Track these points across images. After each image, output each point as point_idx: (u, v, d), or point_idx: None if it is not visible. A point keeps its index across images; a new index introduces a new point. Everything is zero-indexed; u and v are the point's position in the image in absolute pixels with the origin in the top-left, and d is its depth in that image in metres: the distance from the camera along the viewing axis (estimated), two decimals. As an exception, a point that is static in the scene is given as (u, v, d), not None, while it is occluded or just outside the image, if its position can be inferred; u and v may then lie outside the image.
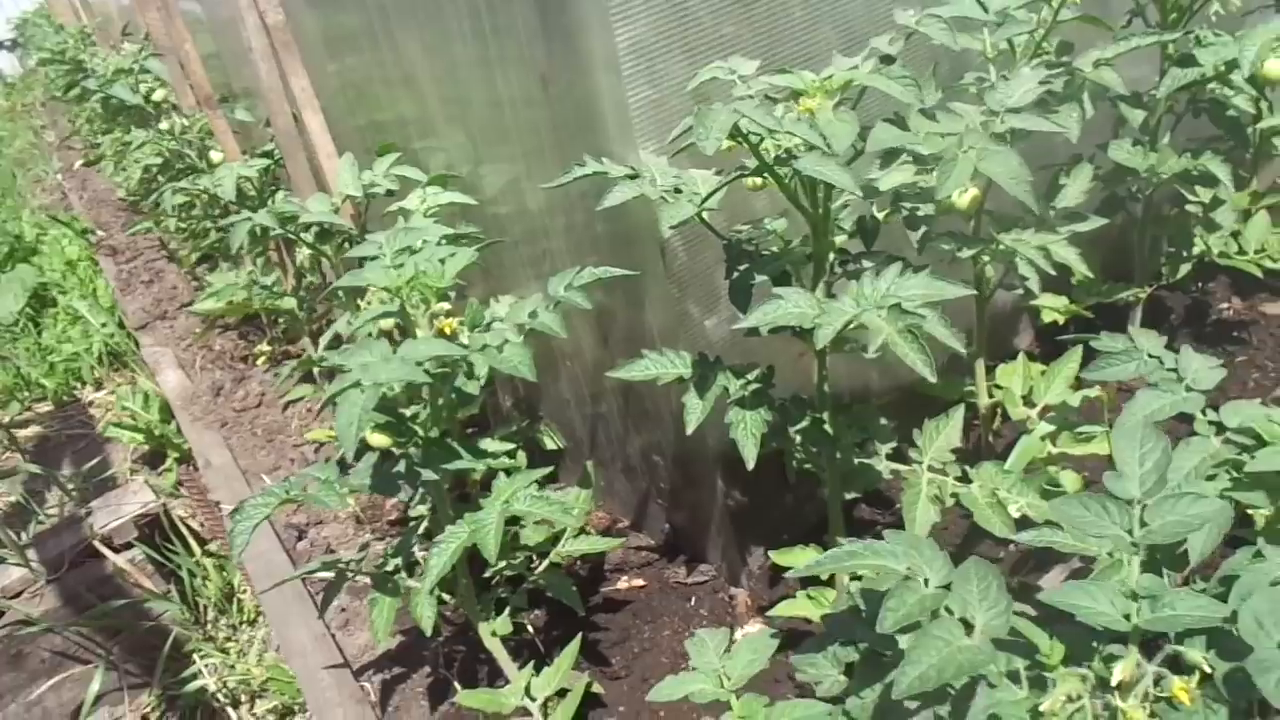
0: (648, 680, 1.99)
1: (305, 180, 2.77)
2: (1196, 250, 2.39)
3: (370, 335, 1.79)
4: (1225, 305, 2.67)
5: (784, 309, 1.49)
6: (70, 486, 3.29)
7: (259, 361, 3.72)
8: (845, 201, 1.70)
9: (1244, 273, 2.43)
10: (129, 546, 2.73)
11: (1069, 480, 2.05)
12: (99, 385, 4.10)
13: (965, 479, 1.79)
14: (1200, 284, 2.68)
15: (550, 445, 2.61)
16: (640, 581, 2.23)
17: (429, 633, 1.68)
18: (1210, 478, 1.47)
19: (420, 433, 1.73)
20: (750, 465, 1.66)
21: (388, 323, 1.95)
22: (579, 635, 1.85)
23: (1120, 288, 2.39)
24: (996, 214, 2.15)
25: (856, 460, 1.84)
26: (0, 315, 4.55)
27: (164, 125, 3.80)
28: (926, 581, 1.07)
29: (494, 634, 1.80)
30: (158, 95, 3.90)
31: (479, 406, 2.85)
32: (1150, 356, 1.57)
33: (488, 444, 2.16)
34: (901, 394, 2.37)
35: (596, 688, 1.95)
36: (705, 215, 1.67)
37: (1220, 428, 1.52)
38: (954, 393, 2.31)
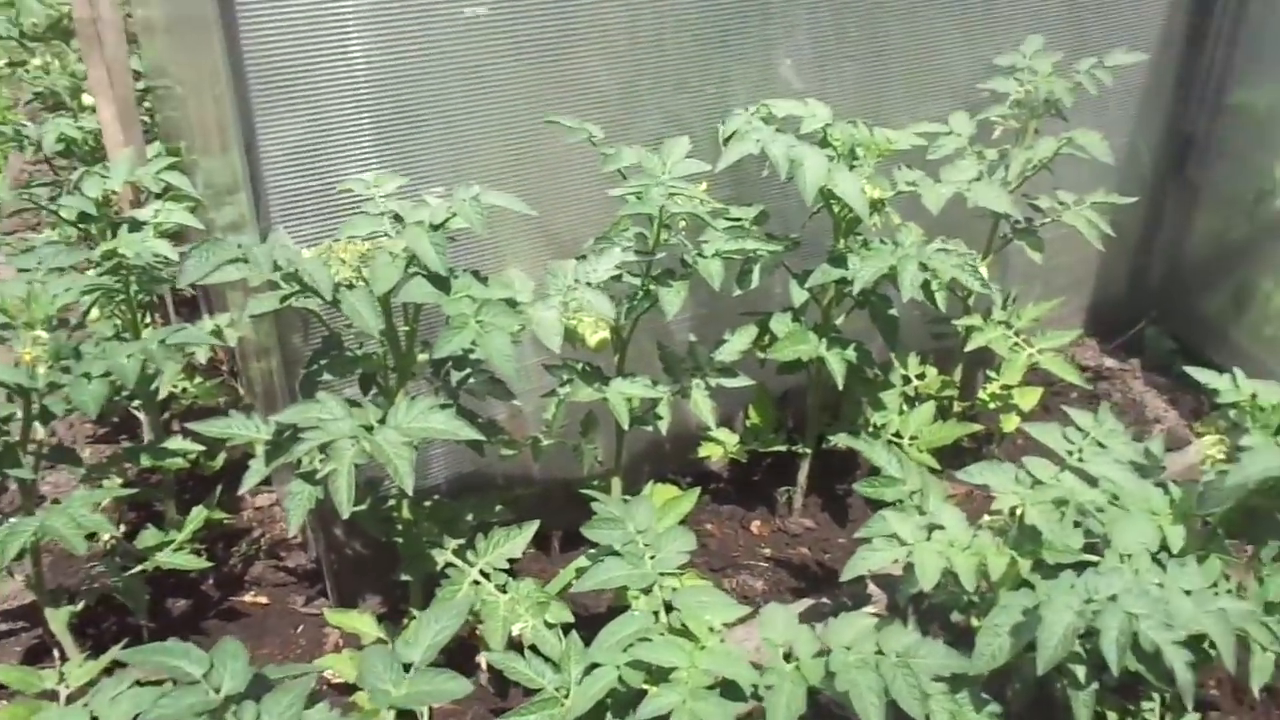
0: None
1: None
2: (859, 423, 2.59)
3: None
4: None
5: (311, 413, 1.69)
6: None
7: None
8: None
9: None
10: None
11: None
12: None
13: (503, 589, 1.99)
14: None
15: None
16: (265, 600, 2.42)
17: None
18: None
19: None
20: (293, 532, 1.85)
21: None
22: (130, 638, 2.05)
23: (780, 440, 2.60)
24: (667, 351, 2.36)
25: (426, 549, 2.04)
26: None
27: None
28: (219, 689, 1.27)
29: (58, 622, 1.99)
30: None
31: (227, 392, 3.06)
32: (636, 530, 1.77)
33: (173, 443, 2.36)
34: (562, 486, 2.57)
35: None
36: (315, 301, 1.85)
37: (670, 607, 1.73)
38: (610, 497, 2.51)
